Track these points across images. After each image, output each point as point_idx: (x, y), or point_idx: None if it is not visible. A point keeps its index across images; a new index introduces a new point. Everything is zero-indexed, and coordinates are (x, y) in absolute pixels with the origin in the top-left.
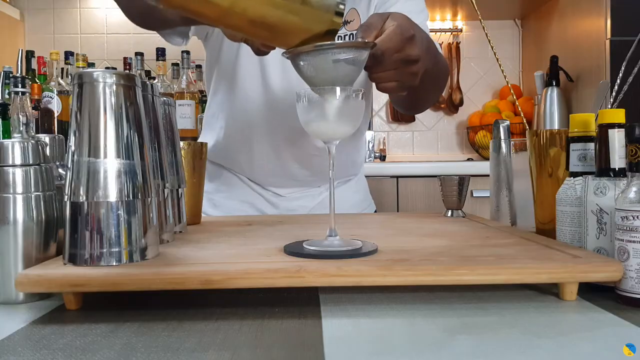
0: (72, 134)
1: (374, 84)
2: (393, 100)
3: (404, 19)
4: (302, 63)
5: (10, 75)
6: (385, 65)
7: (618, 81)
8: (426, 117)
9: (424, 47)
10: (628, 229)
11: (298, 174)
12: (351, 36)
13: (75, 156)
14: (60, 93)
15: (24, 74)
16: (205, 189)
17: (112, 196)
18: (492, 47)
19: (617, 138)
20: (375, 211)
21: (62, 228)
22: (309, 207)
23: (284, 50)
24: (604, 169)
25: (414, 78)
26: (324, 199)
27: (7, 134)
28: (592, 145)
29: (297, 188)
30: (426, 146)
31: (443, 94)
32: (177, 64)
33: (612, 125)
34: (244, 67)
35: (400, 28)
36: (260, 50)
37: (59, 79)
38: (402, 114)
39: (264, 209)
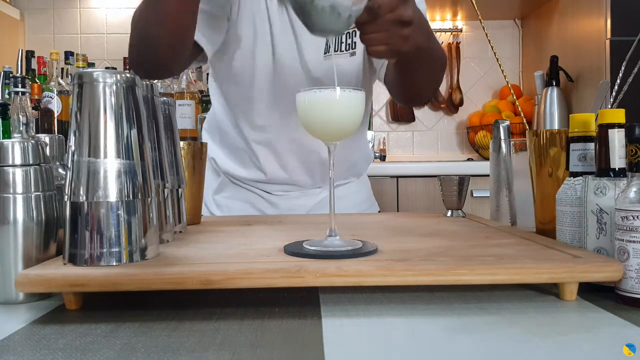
0: (72, 134)
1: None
2: (390, 87)
3: None
4: (300, 2)
5: (10, 75)
6: (378, 24)
7: (618, 81)
8: (426, 117)
9: (417, 15)
10: (628, 229)
11: (299, 178)
12: (354, 32)
13: (75, 156)
14: (60, 93)
15: (24, 74)
16: (208, 190)
17: (112, 196)
18: (492, 47)
19: (617, 138)
20: (379, 212)
21: (62, 228)
22: (308, 206)
23: None
24: (604, 169)
25: (404, 42)
26: (323, 198)
27: (7, 134)
28: (592, 145)
29: (297, 191)
30: (426, 146)
31: (443, 94)
32: None
33: (612, 125)
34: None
35: None
36: None
37: (59, 79)
38: (402, 113)
39: (264, 209)
